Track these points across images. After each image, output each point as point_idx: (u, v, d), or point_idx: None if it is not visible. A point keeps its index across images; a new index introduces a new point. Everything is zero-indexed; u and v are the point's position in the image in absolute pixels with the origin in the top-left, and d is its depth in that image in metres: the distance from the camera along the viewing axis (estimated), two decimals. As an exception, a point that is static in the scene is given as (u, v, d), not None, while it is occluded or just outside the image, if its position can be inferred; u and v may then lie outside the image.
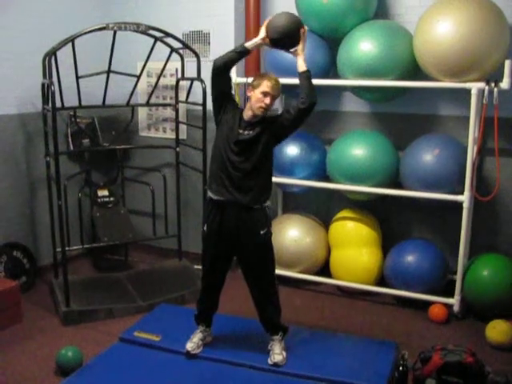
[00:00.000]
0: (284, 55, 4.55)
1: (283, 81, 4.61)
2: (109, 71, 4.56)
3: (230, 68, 3.39)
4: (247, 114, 3.38)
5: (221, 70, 3.35)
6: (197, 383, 3.42)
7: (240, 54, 3.36)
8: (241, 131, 3.35)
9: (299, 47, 3.34)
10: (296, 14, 3.35)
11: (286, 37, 3.31)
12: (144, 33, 4.53)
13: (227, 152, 3.35)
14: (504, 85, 3.95)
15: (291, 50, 3.39)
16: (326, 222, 5.06)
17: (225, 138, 3.37)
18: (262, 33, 3.33)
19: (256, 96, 3.30)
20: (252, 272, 3.54)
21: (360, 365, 3.53)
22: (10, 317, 4.18)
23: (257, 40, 3.36)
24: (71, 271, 4.62)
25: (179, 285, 4.82)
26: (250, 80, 4.68)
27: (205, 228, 3.52)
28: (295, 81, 4.56)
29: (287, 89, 4.86)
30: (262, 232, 3.42)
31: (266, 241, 3.48)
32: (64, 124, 5.16)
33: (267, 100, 3.28)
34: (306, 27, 3.40)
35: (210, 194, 3.46)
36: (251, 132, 3.33)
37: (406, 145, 4.55)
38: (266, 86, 3.29)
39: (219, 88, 3.42)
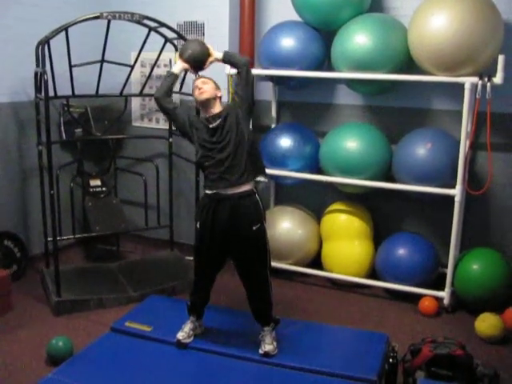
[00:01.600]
0: (278, 46, 4.60)
1: (277, 72, 4.65)
2: (102, 61, 4.53)
3: (171, 93, 3.67)
4: (205, 113, 3.55)
5: (164, 98, 3.59)
6: (188, 374, 3.43)
7: (172, 78, 3.64)
8: (210, 126, 3.47)
9: (211, 53, 3.66)
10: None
11: (197, 52, 3.65)
12: (138, 22, 4.50)
13: (208, 146, 3.46)
14: (497, 80, 3.96)
15: (209, 61, 3.68)
16: (318, 214, 5.07)
17: (202, 139, 3.49)
18: (179, 59, 3.67)
19: (195, 92, 3.56)
20: (245, 270, 3.55)
21: (350, 356, 3.55)
22: (1, 306, 4.18)
23: (178, 65, 3.67)
24: (62, 261, 4.60)
25: (171, 275, 4.81)
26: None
27: (198, 225, 3.53)
28: (289, 72, 4.60)
29: (282, 80, 4.88)
30: (254, 227, 3.43)
31: (260, 236, 3.48)
32: (57, 113, 5.14)
33: (200, 84, 3.53)
34: (210, 48, 3.68)
35: (205, 191, 3.51)
36: (219, 120, 3.45)
37: (399, 138, 4.56)
38: (197, 80, 3.59)
39: (172, 112, 3.63)
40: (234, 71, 4.74)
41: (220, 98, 3.57)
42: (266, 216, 3.55)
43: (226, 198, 3.40)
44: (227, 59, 3.64)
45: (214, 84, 3.59)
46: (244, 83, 3.52)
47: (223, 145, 3.41)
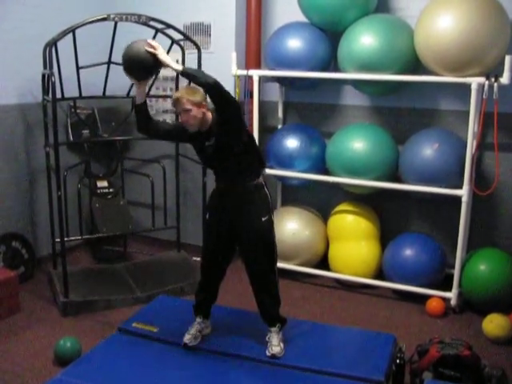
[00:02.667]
0: (284, 47, 4.60)
1: (284, 73, 4.66)
2: (109, 62, 4.55)
3: (149, 122, 3.42)
4: (192, 130, 3.36)
5: (148, 130, 3.45)
6: (194, 375, 3.42)
7: (138, 111, 3.39)
8: (206, 143, 3.38)
9: (161, 61, 3.19)
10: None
11: (133, 67, 3.23)
12: (145, 24, 4.51)
13: (208, 157, 3.46)
14: (504, 80, 3.95)
15: (163, 66, 3.27)
16: (324, 215, 5.07)
17: (199, 149, 3.48)
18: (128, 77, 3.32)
19: (180, 118, 3.34)
20: (252, 262, 3.53)
21: (358, 357, 3.54)
22: (9, 307, 4.19)
23: (135, 90, 3.36)
24: (70, 262, 4.62)
25: (178, 276, 4.82)
26: (251, 73, 4.73)
27: (207, 216, 3.58)
28: (295, 73, 4.60)
29: (288, 81, 4.88)
30: (263, 219, 3.43)
31: (267, 228, 3.48)
32: (64, 115, 5.15)
33: (184, 118, 3.27)
34: (152, 42, 3.22)
35: (216, 183, 3.56)
36: (210, 141, 3.34)
37: (406, 139, 4.55)
38: (176, 108, 3.32)
39: (166, 136, 3.60)
40: (243, 73, 4.78)
41: (206, 110, 3.28)
42: (273, 210, 3.57)
43: (236, 190, 3.43)
44: (186, 76, 3.21)
45: (194, 98, 3.21)
46: (216, 105, 3.18)
47: (222, 160, 3.39)
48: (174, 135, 3.58)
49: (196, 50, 4.77)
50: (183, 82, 5.07)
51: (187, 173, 5.42)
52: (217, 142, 3.31)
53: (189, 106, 3.21)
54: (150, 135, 3.51)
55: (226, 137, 3.28)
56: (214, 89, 3.10)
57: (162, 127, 3.51)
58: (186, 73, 3.18)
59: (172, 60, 3.22)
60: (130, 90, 4.85)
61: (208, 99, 3.22)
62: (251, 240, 3.48)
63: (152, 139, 3.55)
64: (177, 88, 5.09)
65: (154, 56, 3.17)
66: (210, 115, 3.31)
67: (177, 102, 3.25)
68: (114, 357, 3.53)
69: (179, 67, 3.19)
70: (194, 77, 3.14)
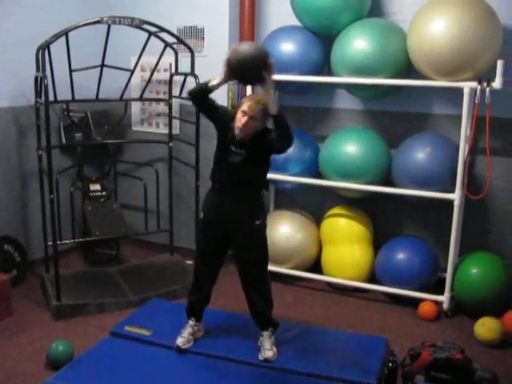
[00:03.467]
0: (277, 51, 4.61)
1: (277, 77, 4.65)
2: (102, 65, 4.55)
3: (205, 97, 3.34)
4: (236, 133, 3.33)
5: (194, 100, 3.43)
6: (187, 378, 3.43)
7: (203, 91, 3.31)
8: (233, 148, 3.35)
9: (266, 86, 3.16)
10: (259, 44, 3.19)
11: (247, 77, 3.16)
12: (138, 27, 4.52)
13: (226, 158, 3.39)
14: (496, 84, 3.97)
15: (260, 84, 3.19)
16: (317, 218, 5.07)
17: (222, 150, 3.42)
18: (222, 74, 3.21)
19: (237, 115, 3.27)
20: (245, 264, 3.54)
21: (350, 360, 3.54)
22: (1, 311, 4.17)
23: (218, 81, 3.26)
24: (62, 265, 4.60)
25: (170, 280, 4.82)
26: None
27: (201, 215, 3.57)
28: (289, 77, 4.61)
29: (281, 85, 4.89)
30: (256, 222, 3.44)
31: (261, 232, 3.50)
32: (57, 117, 5.14)
33: (243, 119, 3.21)
34: (273, 60, 3.13)
35: (212, 183, 3.52)
36: (242, 151, 3.33)
37: (399, 143, 4.57)
38: (245, 105, 3.25)
39: (203, 111, 3.50)
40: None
41: (260, 126, 3.29)
42: (266, 215, 3.59)
43: (232, 193, 3.43)
44: (278, 119, 3.17)
45: (265, 112, 3.21)
46: (277, 145, 3.26)
47: (240, 167, 3.34)
48: (216, 114, 3.43)
49: (189, 54, 4.76)
50: (176, 86, 5.08)
51: (180, 176, 5.41)
52: (247, 157, 3.32)
53: (259, 117, 3.23)
54: (196, 102, 3.43)
55: (258, 159, 3.36)
56: (288, 142, 3.23)
57: (209, 102, 3.39)
58: (279, 117, 3.17)
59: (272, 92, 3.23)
60: (123, 94, 4.84)
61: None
62: (244, 243, 3.49)
63: (195, 105, 3.46)
64: (170, 91, 5.10)
65: (266, 74, 3.11)
66: (256, 130, 3.29)
67: (253, 106, 3.21)
68: (106, 360, 3.53)
69: (275, 109, 3.15)
70: (285, 125, 3.19)
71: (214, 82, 3.26)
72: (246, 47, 3.11)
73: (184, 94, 4.96)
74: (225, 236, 3.52)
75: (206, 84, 3.29)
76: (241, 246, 3.53)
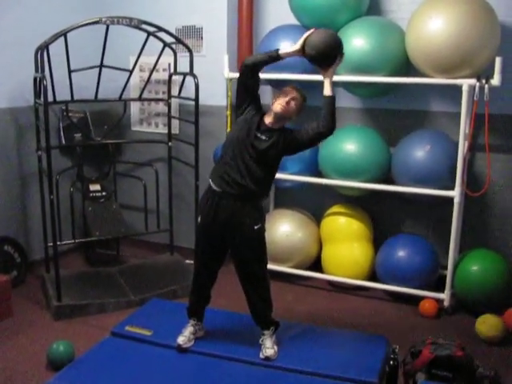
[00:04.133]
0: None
1: (274, 76, 4.66)
2: (101, 65, 4.55)
3: (259, 70, 3.38)
4: (268, 120, 3.39)
5: (250, 70, 3.36)
6: (188, 377, 3.43)
7: (271, 58, 3.35)
8: (258, 134, 3.35)
9: (330, 70, 3.30)
10: (334, 34, 3.30)
11: (322, 57, 3.25)
12: (137, 27, 4.51)
13: (241, 149, 3.35)
14: (495, 81, 3.97)
15: (322, 69, 3.33)
16: (317, 217, 5.07)
17: (240, 136, 3.37)
18: (299, 44, 3.29)
19: (279, 101, 3.35)
20: (244, 267, 3.54)
21: (351, 359, 3.54)
22: (1, 311, 4.17)
23: (291, 51, 3.33)
24: (63, 266, 4.60)
25: (171, 279, 4.82)
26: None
27: (199, 219, 3.53)
28: (287, 76, 4.60)
29: (281, 83, 4.87)
30: (255, 227, 3.43)
31: (259, 236, 3.48)
32: (56, 118, 5.15)
33: (288, 98, 3.34)
34: (343, 53, 3.31)
35: (211, 182, 3.46)
36: (267, 138, 3.34)
37: (398, 140, 4.57)
38: (287, 90, 3.39)
39: (246, 86, 3.44)
40: (235, 75, 4.78)
41: (293, 117, 3.42)
42: (265, 219, 3.56)
43: (231, 196, 3.38)
44: (330, 101, 3.32)
45: (301, 107, 3.41)
46: (311, 138, 3.36)
47: (252, 160, 3.34)
48: (253, 91, 3.47)
49: (188, 53, 4.76)
50: (175, 86, 5.08)
51: (180, 176, 5.41)
52: (272, 144, 3.33)
53: (300, 100, 3.38)
54: (246, 72, 3.38)
55: (284, 147, 3.37)
56: (330, 130, 3.32)
57: (257, 78, 3.44)
58: (332, 100, 3.32)
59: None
60: (122, 94, 4.84)
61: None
62: (243, 248, 3.47)
63: (240, 75, 3.42)
64: (169, 91, 5.10)
65: (337, 63, 3.29)
66: (284, 122, 3.41)
67: (294, 92, 3.37)
68: (107, 360, 3.52)
69: (331, 92, 3.32)
70: (334, 109, 3.33)
71: (286, 50, 3.34)
72: (329, 32, 3.28)
73: (183, 94, 4.95)
74: (223, 239, 3.50)
75: (276, 50, 3.36)
76: (239, 250, 3.51)
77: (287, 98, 3.34)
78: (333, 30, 3.36)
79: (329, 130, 3.32)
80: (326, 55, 3.24)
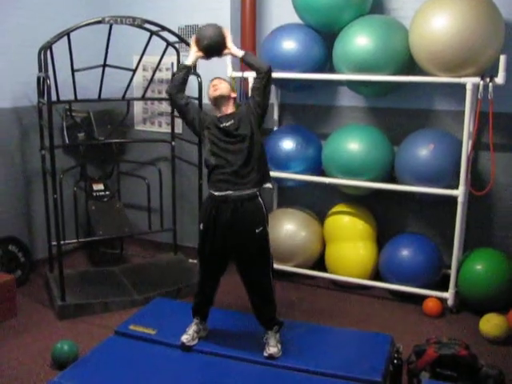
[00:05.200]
0: (279, 48, 4.60)
1: (279, 75, 4.65)
2: (104, 65, 4.55)
3: (184, 88, 3.66)
4: (218, 113, 3.58)
5: (178, 93, 3.61)
6: (192, 376, 3.43)
7: (185, 72, 3.63)
8: (223, 125, 3.49)
9: (228, 46, 3.60)
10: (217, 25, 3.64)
11: (214, 43, 3.56)
12: (140, 27, 4.51)
13: (221, 147, 3.46)
14: (499, 80, 3.95)
15: (224, 53, 3.64)
16: (321, 216, 5.07)
17: (214, 137, 3.50)
18: (194, 47, 3.62)
19: (209, 91, 3.61)
20: (247, 274, 3.54)
21: (355, 358, 3.54)
22: (5, 311, 4.18)
23: (192, 55, 3.63)
24: (66, 265, 4.62)
25: (174, 278, 4.82)
26: (246, 74, 4.73)
27: (201, 226, 3.54)
28: (291, 75, 4.60)
29: (284, 83, 4.88)
30: (257, 230, 3.43)
31: (263, 239, 3.48)
32: (59, 118, 5.15)
33: (216, 81, 3.60)
34: (227, 30, 3.64)
35: (210, 191, 3.50)
36: (233, 121, 3.49)
37: (401, 139, 4.55)
38: (213, 81, 3.63)
39: (184, 109, 3.63)
40: (238, 74, 4.78)
41: (234, 99, 3.62)
42: (268, 219, 3.56)
43: (231, 200, 3.40)
44: (247, 60, 3.59)
45: (230, 86, 3.63)
46: (263, 89, 3.52)
47: (236, 147, 3.44)
48: (190, 114, 3.62)
49: (191, 52, 4.76)
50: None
51: (183, 175, 5.42)
52: (237, 124, 3.46)
53: (223, 81, 3.62)
54: (174, 100, 3.64)
55: (250, 122, 3.48)
56: (268, 71, 3.52)
57: (186, 99, 3.65)
58: (246, 57, 3.58)
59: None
60: (125, 93, 4.84)
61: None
62: (245, 251, 3.48)
63: (171, 105, 3.79)
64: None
65: (225, 40, 3.58)
66: (232, 102, 3.60)
67: (214, 80, 3.61)
68: (111, 359, 3.53)
69: (240, 53, 3.59)
70: (254, 60, 3.61)
71: (190, 58, 3.64)
72: (204, 25, 3.66)
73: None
74: (225, 246, 3.50)
75: (182, 63, 3.68)
76: (241, 255, 3.51)
77: (213, 84, 3.58)
78: (209, 25, 3.66)
79: (266, 71, 3.52)
80: (216, 38, 3.56)
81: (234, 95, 3.62)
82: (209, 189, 3.53)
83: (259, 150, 3.50)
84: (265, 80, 3.50)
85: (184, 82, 3.63)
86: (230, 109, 3.56)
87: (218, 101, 3.54)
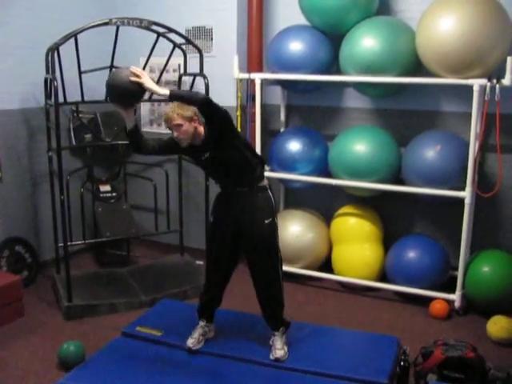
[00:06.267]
0: (286, 50, 4.61)
1: (286, 76, 4.65)
2: (111, 66, 4.57)
3: (142, 143, 3.38)
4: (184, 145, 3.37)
5: (141, 150, 3.42)
6: (198, 378, 3.43)
7: (129, 135, 3.35)
8: (202, 157, 3.40)
9: (148, 87, 3.13)
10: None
11: (121, 96, 3.18)
12: (147, 28, 4.52)
13: (203, 166, 3.55)
14: (506, 81, 3.94)
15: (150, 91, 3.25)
16: (327, 217, 5.06)
17: (196, 160, 3.51)
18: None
19: (173, 135, 3.33)
20: (256, 264, 3.53)
21: (362, 360, 3.53)
22: (12, 311, 4.19)
23: (124, 116, 3.30)
24: (73, 266, 4.62)
25: (181, 280, 4.82)
26: (253, 76, 4.73)
27: (211, 219, 3.59)
28: (297, 76, 4.60)
29: (290, 84, 4.88)
30: (266, 221, 3.43)
31: (271, 231, 3.48)
32: (66, 119, 5.16)
33: (175, 134, 3.28)
34: (135, 70, 3.13)
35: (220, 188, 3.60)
36: (206, 154, 3.36)
37: (408, 141, 4.55)
38: (167, 124, 3.33)
39: (161, 152, 3.55)
40: (244, 76, 4.79)
41: (197, 124, 3.29)
42: (277, 212, 3.57)
43: (239, 193, 3.44)
44: (176, 99, 3.18)
45: (185, 113, 3.23)
46: (208, 120, 3.24)
47: (218, 170, 3.47)
48: (167, 150, 3.53)
49: (198, 54, 4.77)
50: (185, 86, 5.09)
51: (190, 176, 5.42)
52: (213, 155, 3.35)
53: (180, 121, 3.23)
54: (145, 154, 3.53)
55: (220, 149, 3.31)
56: (204, 105, 3.13)
57: (155, 145, 3.44)
58: (174, 95, 3.15)
59: (155, 85, 3.18)
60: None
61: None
62: (254, 243, 3.48)
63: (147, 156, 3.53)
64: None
65: (139, 84, 3.11)
66: (202, 129, 3.31)
67: (168, 119, 3.27)
68: (117, 361, 3.54)
69: (166, 91, 3.12)
70: (183, 97, 3.18)
71: (127, 123, 3.30)
72: (108, 86, 3.18)
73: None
74: (235, 238, 3.51)
75: (126, 128, 3.33)
76: (250, 247, 3.52)
77: (172, 131, 3.29)
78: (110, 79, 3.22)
79: (198, 103, 3.14)
80: (121, 89, 3.12)
81: (195, 124, 3.27)
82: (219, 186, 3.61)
83: (233, 158, 3.34)
84: (206, 113, 3.18)
85: (138, 139, 3.37)
86: (199, 139, 3.32)
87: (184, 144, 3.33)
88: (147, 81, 3.12)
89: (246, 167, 3.40)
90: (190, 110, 3.23)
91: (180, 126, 3.23)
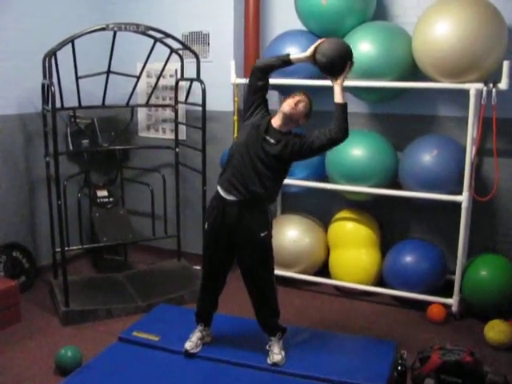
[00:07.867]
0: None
1: (281, 81, 4.66)
2: (108, 72, 4.57)
3: (269, 72, 3.43)
4: (276, 122, 3.40)
5: (260, 72, 3.41)
6: (196, 383, 3.43)
7: (282, 62, 3.40)
8: (267, 137, 3.35)
9: (340, 78, 3.31)
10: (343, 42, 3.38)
11: (332, 65, 3.29)
12: (144, 33, 4.53)
13: (249, 153, 3.34)
14: (502, 85, 3.96)
15: (332, 77, 3.35)
16: (325, 222, 5.06)
17: (249, 140, 3.36)
18: (310, 51, 3.33)
19: (288, 102, 3.36)
20: (250, 274, 3.53)
21: (359, 364, 3.54)
22: (9, 317, 4.18)
23: (301, 56, 3.39)
24: (70, 271, 4.62)
25: (178, 285, 4.82)
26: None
27: (206, 226, 3.54)
28: (294, 81, 4.61)
29: (287, 89, 4.88)
30: (262, 234, 3.42)
31: (266, 243, 3.47)
32: (64, 124, 5.17)
33: (299, 104, 3.36)
34: (353, 62, 3.34)
35: (218, 188, 3.46)
36: (276, 142, 3.33)
37: (405, 145, 4.56)
38: (296, 95, 3.39)
39: (255, 88, 3.46)
40: (241, 81, 4.80)
41: (299, 124, 3.44)
42: (272, 225, 3.55)
43: (238, 202, 3.38)
44: (341, 108, 3.32)
45: (308, 110, 3.42)
46: (328, 143, 3.33)
47: (261, 163, 3.33)
48: (261, 94, 3.48)
49: (195, 59, 4.77)
50: (182, 92, 5.09)
51: (187, 182, 5.42)
52: (268, 150, 3.32)
53: (307, 104, 3.39)
54: (256, 73, 3.43)
55: (278, 156, 3.33)
56: (344, 133, 3.31)
57: (266, 82, 3.46)
58: (344, 106, 3.33)
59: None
60: (129, 100, 4.86)
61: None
62: (248, 254, 3.47)
63: (250, 77, 3.46)
64: (176, 97, 5.11)
65: (346, 72, 3.32)
66: (292, 126, 3.43)
67: (300, 96, 3.37)
68: (114, 366, 3.54)
69: (341, 99, 3.34)
70: (344, 115, 3.32)
71: (297, 56, 3.40)
72: (340, 41, 3.37)
73: (190, 100, 4.96)
74: (230, 247, 3.50)
75: (287, 54, 3.41)
76: (245, 256, 3.51)
77: (296, 100, 3.35)
78: (343, 40, 3.40)
79: (341, 136, 3.31)
80: (336, 63, 3.28)
81: (301, 122, 3.43)
82: (217, 183, 3.47)
83: (272, 170, 3.35)
84: (332, 140, 3.32)
85: (274, 67, 3.41)
86: (286, 128, 3.39)
87: (282, 117, 3.37)
88: (346, 77, 3.35)
89: (268, 187, 3.36)
90: (310, 112, 3.45)
91: (303, 103, 3.37)
